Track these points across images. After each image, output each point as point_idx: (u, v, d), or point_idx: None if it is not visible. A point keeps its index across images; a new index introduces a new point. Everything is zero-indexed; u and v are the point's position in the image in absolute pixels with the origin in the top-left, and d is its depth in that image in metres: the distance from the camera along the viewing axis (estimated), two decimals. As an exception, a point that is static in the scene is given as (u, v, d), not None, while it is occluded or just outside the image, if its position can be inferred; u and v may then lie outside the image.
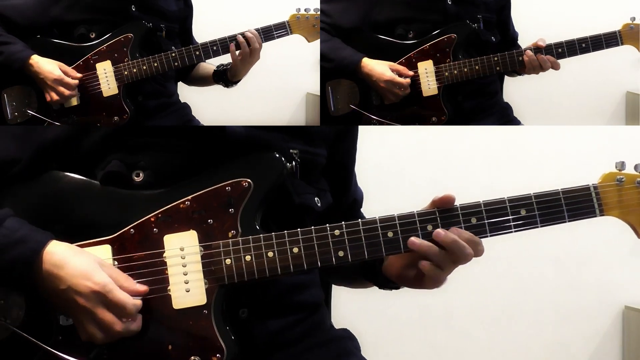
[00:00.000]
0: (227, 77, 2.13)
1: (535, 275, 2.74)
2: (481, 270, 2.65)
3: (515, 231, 1.21)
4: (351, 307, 2.19)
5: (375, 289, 1.45)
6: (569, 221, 1.23)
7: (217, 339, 1.15)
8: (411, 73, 2.00)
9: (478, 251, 1.20)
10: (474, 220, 1.21)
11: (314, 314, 1.35)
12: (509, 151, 2.68)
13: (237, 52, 2.02)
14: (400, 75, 2.00)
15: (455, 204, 1.22)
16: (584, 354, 2.80)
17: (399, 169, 2.67)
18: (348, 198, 1.51)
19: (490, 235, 1.21)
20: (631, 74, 2.93)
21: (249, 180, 1.21)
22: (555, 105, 2.95)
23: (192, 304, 1.17)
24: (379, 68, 2.01)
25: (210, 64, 2.18)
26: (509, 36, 2.19)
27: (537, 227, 1.22)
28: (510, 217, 1.21)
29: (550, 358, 2.78)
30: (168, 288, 1.17)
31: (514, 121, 2.23)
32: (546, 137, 2.70)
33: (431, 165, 2.67)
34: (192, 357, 1.15)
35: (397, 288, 1.35)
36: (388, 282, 1.33)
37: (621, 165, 1.24)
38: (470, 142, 2.69)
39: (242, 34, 2.00)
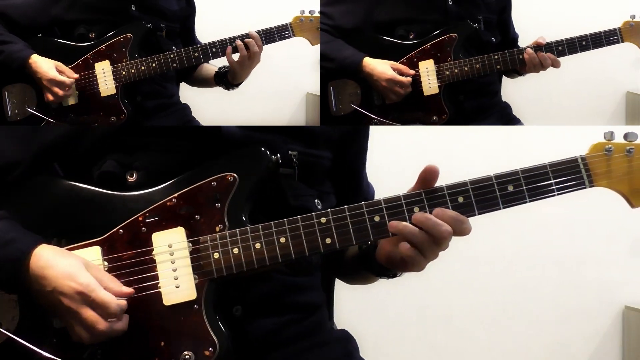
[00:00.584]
0: (227, 79, 2.13)
1: (535, 275, 2.73)
2: (481, 270, 2.66)
3: (503, 207, 1.19)
4: (351, 307, 2.19)
5: (374, 287, 1.45)
6: (558, 194, 1.20)
7: (209, 333, 1.16)
8: (412, 72, 2.01)
9: (463, 229, 1.18)
10: (461, 200, 1.19)
11: (311, 315, 1.34)
12: (509, 151, 2.67)
13: (237, 56, 2.02)
14: (401, 74, 2.01)
15: (442, 184, 1.20)
16: (584, 354, 2.80)
17: (400, 169, 2.66)
18: (359, 199, 1.50)
19: (479, 214, 1.19)
20: (631, 74, 2.92)
21: (234, 174, 1.21)
22: (555, 105, 2.95)
23: (182, 300, 1.17)
24: (380, 67, 2.01)
25: (213, 66, 2.18)
26: (509, 37, 2.20)
27: (526, 202, 1.19)
28: (498, 193, 1.19)
29: (550, 358, 2.77)
30: (158, 285, 1.18)
31: (515, 120, 2.23)
32: (546, 137, 2.70)
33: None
34: (185, 352, 1.15)
35: (394, 276, 1.33)
36: (383, 269, 1.31)
37: (610, 135, 1.21)
38: (470, 142, 2.68)
39: (242, 38, 2.00)
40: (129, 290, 1.17)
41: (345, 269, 1.48)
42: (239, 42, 1.99)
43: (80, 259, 1.17)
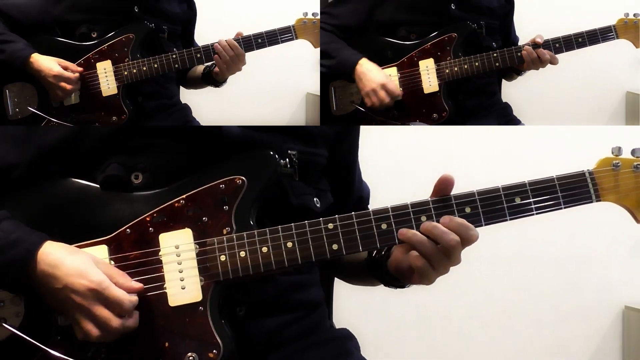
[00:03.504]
0: (213, 77, 2.11)
1: (535, 275, 2.74)
2: (481, 270, 2.66)
3: (510, 219, 1.20)
4: (351, 306, 2.20)
5: (375, 288, 1.45)
6: (565, 207, 1.21)
7: (213, 335, 1.16)
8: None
9: (470, 237, 1.18)
10: (468, 210, 1.20)
11: (312, 313, 1.35)
12: (509, 151, 2.68)
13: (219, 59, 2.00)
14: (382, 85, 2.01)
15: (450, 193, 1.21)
16: (584, 354, 2.81)
17: (399, 168, 2.67)
18: (353, 196, 1.51)
19: (486, 224, 1.20)
20: (631, 74, 2.94)
21: (243, 177, 1.21)
22: (555, 105, 2.95)
23: (187, 301, 1.17)
24: (373, 72, 2.01)
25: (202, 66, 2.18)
26: (510, 41, 2.21)
27: (533, 214, 1.21)
28: (505, 205, 1.20)
29: (550, 358, 2.78)
30: (164, 286, 1.18)
31: (515, 120, 2.24)
32: (546, 137, 2.70)
33: (431, 165, 2.67)
34: (189, 354, 1.15)
35: (402, 287, 1.33)
36: (393, 279, 1.31)
37: (618, 151, 1.22)
38: (470, 141, 2.69)
39: (219, 42, 1.98)
40: (139, 285, 1.17)
41: (348, 271, 1.49)
42: (217, 46, 1.97)
43: (89, 255, 1.17)
